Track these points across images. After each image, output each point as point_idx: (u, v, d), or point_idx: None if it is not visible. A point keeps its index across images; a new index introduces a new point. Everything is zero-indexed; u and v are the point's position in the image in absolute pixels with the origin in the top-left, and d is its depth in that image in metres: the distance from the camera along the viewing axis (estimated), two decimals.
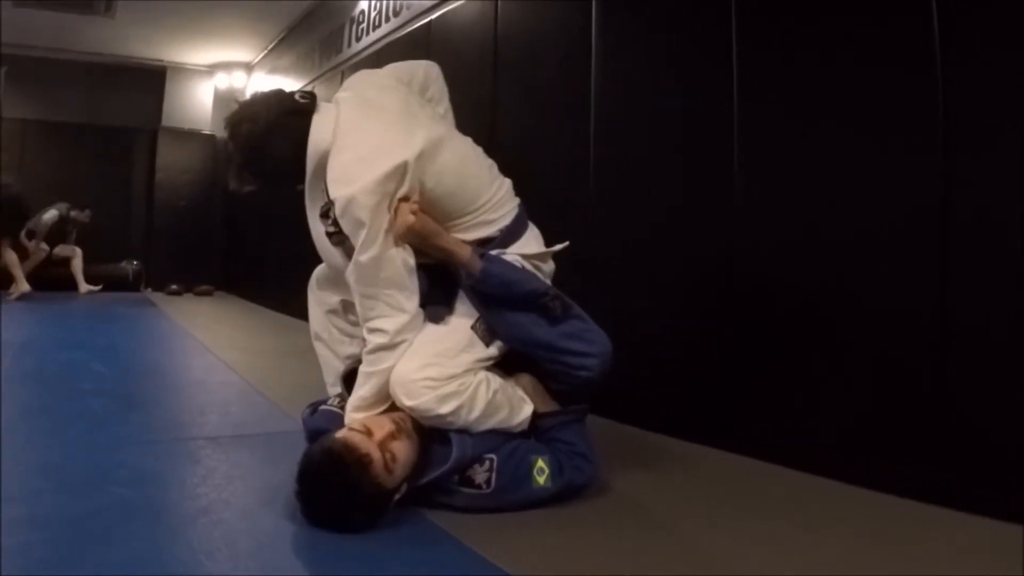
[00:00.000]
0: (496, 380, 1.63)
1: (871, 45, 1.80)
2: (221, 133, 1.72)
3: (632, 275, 2.46)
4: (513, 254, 1.71)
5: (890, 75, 1.76)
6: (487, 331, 1.65)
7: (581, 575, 1.30)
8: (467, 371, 1.59)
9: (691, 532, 1.51)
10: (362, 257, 1.54)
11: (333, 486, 1.39)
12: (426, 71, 1.96)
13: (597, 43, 2.63)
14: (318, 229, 1.71)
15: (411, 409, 1.54)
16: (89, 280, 7.16)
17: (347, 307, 1.88)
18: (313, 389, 2.06)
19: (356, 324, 1.77)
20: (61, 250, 6.99)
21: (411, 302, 1.59)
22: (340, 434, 1.48)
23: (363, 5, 4.95)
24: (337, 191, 1.54)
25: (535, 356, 1.67)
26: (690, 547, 1.44)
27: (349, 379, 1.73)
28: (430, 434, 1.57)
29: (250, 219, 6.83)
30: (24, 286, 6.46)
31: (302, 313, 2.09)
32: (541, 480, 1.57)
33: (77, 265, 7.10)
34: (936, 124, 1.66)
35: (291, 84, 6.13)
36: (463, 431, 1.57)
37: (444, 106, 1.97)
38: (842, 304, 1.86)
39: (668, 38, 2.40)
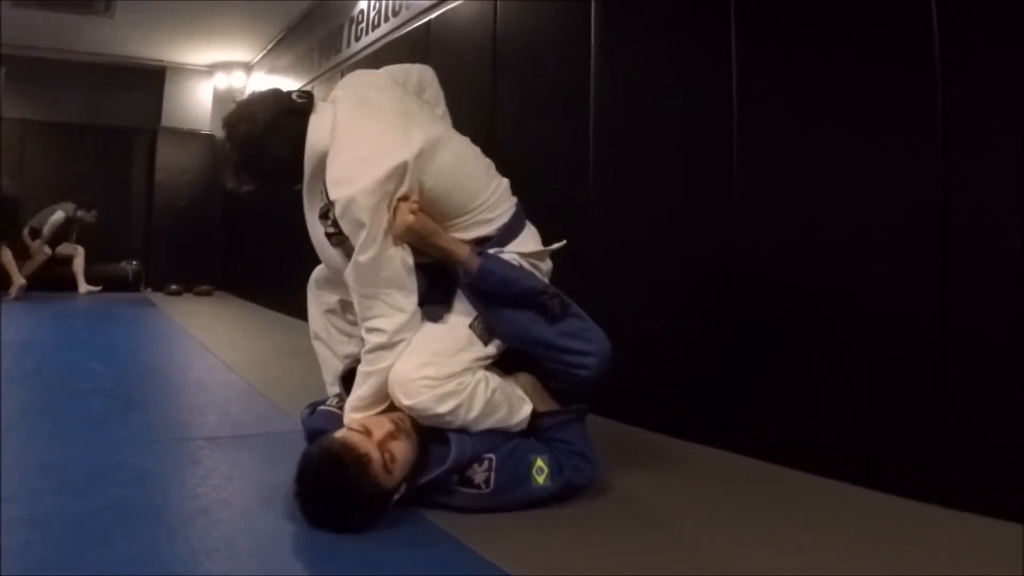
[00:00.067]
0: (495, 379, 1.63)
1: (870, 45, 1.80)
2: (220, 133, 1.72)
3: (631, 275, 2.46)
4: (511, 252, 1.71)
5: (889, 75, 1.76)
6: (485, 330, 1.65)
7: (581, 575, 1.30)
8: (466, 370, 1.59)
9: (691, 532, 1.51)
10: (361, 257, 1.54)
11: (332, 486, 1.39)
12: (421, 74, 1.97)
13: (596, 43, 2.63)
14: (317, 230, 1.71)
15: (409, 408, 1.54)
16: (89, 280, 7.15)
17: (345, 307, 1.88)
18: (313, 389, 2.06)
19: (355, 324, 1.77)
20: (63, 248, 6.98)
21: (409, 301, 1.59)
22: (339, 434, 1.48)
23: (362, 5, 4.95)
24: (337, 192, 1.54)
25: (534, 354, 1.67)
26: (690, 547, 1.44)
27: (347, 379, 1.73)
28: (429, 434, 1.57)
29: (250, 219, 6.82)
30: (20, 279, 6.44)
31: (302, 313, 2.09)
32: (540, 479, 1.57)
33: (79, 264, 7.08)
34: (935, 124, 1.66)
35: (290, 84, 6.14)
36: (462, 430, 1.57)
37: (441, 109, 1.97)
38: (841, 304, 1.86)
39: (667, 38, 2.40)
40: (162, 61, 7.95)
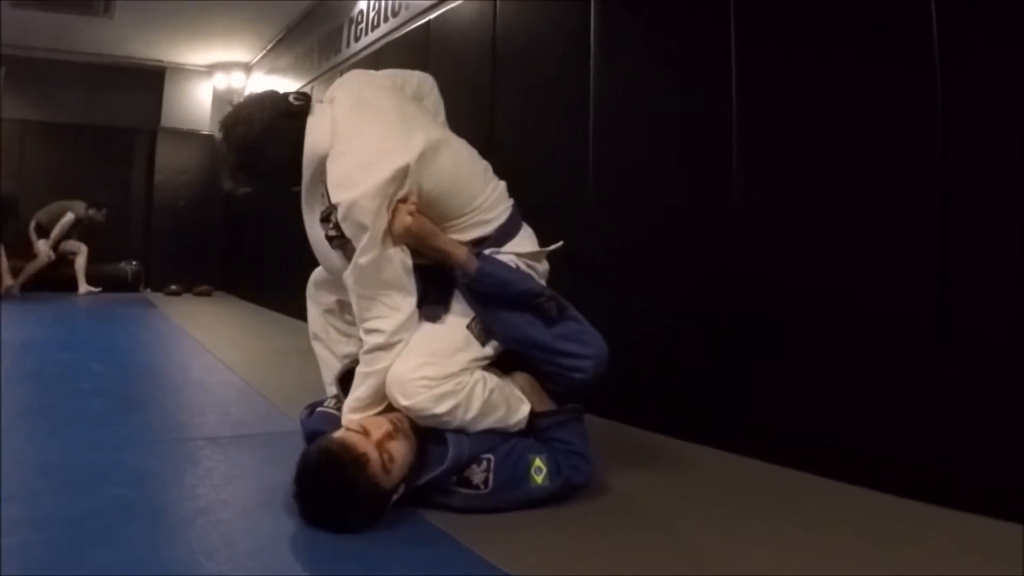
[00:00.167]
0: (493, 379, 1.63)
1: (870, 45, 1.80)
2: (218, 135, 1.72)
3: (631, 275, 2.46)
4: (508, 253, 1.71)
5: (889, 75, 1.76)
6: (483, 330, 1.65)
7: (580, 575, 1.30)
8: (463, 370, 1.59)
9: (689, 532, 1.51)
10: (362, 259, 1.54)
11: (330, 486, 1.39)
12: (420, 81, 1.97)
13: (596, 43, 2.63)
14: (317, 233, 1.70)
15: (407, 408, 1.54)
16: (89, 281, 7.14)
17: (344, 307, 1.88)
18: (312, 389, 2.06)
19: (353, 324, 1.77)
20: (66, 245, 6.95)
21: (408, 302, 1.59)
22: (337, 434, 1.48)
23: (362, 5, 4.95)
24: (339, 195, 1.54)
25: (530, 357, 1.67)
26: (688, 547, 1.44)
27: (344, 380, 1.73)
28: (427, 434, 1.57)
29: (249, 219, 6.82)
30: (8, 281, 6.41)
31: (301, 313, 2.09)
32: (539, 479, 1.57)
33: (81, 263, 7.06)
34: (935, 124, 1.66)
35: (290, 84, 6.14)
36: (460, 431, 1.57)
37: (441, 118, 1.97)
38: (841, 304, 1.86)
39: (667, 38, 2.40)
40: (161, 61, 7.95)
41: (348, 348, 1.88)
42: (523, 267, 1.72)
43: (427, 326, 1.64)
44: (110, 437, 2.09)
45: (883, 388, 1.75)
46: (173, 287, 7.48)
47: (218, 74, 8.09)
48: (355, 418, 1.57)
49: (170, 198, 7.99)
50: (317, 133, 1.65)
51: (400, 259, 1.58)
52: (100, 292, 7.14)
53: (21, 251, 6.71)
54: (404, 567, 1.31)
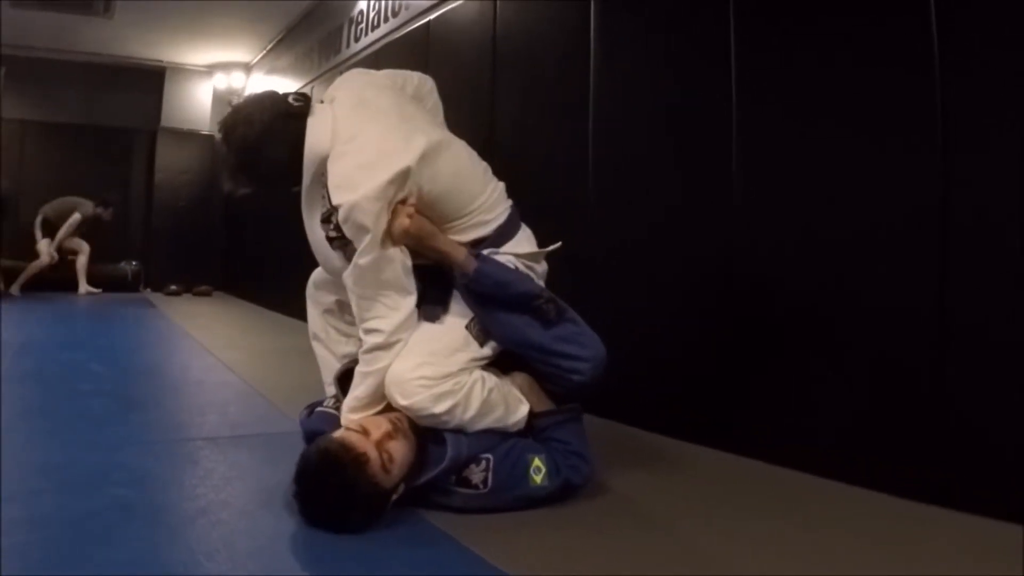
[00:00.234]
0: (491, 379, 1.63)
1: (870, 45, 1.80)
2: (218, 136, 1.73)
3: (631, 275, 2.46)
4: (506, 254, 1.71)
5: (889, 75, 1.76)
6: (482, 331, 1.65)
7: (579, 575, 1.30)
8: (462, 370, 1.59)
9: (689, 532, 1.51)
10: (363, 260, 1.54)
11: (330, 486, 1.39)
12: (420, 82, 1.97)
13: (596, 43, 2.63)
14: (317, 234, 1.70)
15: (406, 408, 1.54)
16: (89, 281, 7.14)
17: (343, 307, 1.88)
18: (312, 389, 2.06)
19: (353, 324, 1.77)
20: (68, 243, 6.93)
21: (407, 302, 1.59)
22: (337, 434, 1.48)
23: (362, 5, 4.95)
24: (340, 197, 1.54)
25: (528, 358, 1.67)
26: (688, 547, 1.44)
27: (344, 380, 1.73)
28: (426, 434, 1.57)
29: (249, 219, 6.82)
30: None
31: (301, 313, 2.09)
32: (538, 479, 1.57)
33: (82, 263, 7.05)
34: (935, 124, 1.66)
35: (290, 84, 6.14)
36: (459, 431, 1.57)
37: (440, 119, 1.97)
38: (841, 304, 1.86)
39: (666, 38, 2.40)
40: (161, 61, 7.95)
41: (348, 348, 1.88)
42: (522, 268, 1.72)
43: (426, 326, 1.64)
44: (110, 437, 2.09)
45: (883, 388, 1.75)
46: (173, 287, 7.48)
47: (218, 74, 8.09)
48: (354, 418, 1.57)
49: (170, 198, 7.99)
50: (317, 134, 1.65)
51: (400, 259, 1.58)
52: (100, 293, 7.14)
53: (21, 251, 6.70)
54: (404, 567, 1.31)
